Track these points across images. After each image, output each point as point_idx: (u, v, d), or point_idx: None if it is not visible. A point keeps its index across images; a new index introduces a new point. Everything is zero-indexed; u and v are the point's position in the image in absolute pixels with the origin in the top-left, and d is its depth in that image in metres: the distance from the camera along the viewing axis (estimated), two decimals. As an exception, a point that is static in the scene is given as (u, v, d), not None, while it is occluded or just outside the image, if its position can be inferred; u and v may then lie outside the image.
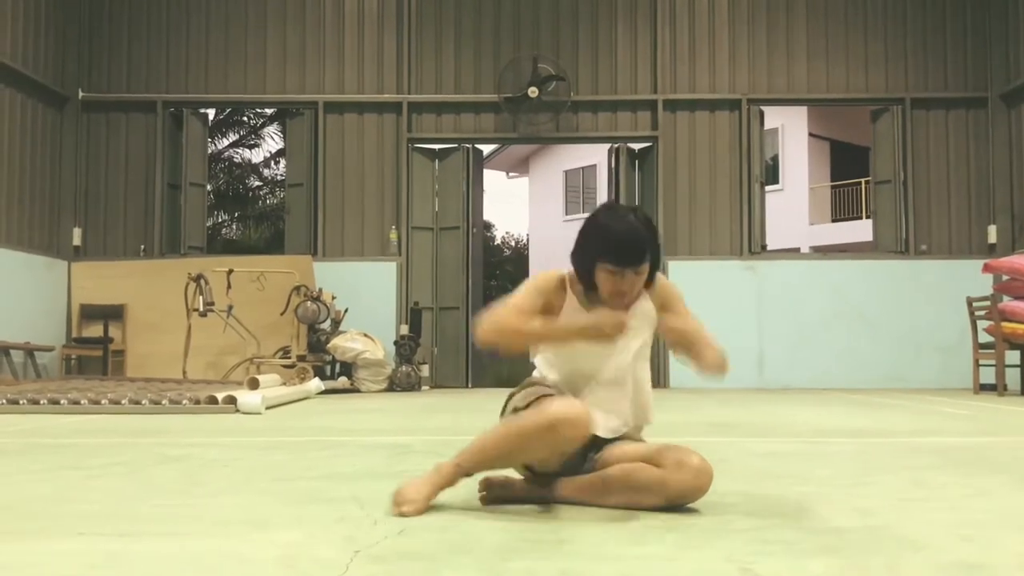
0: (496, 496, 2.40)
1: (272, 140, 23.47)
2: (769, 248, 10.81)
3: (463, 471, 2.32)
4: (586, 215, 2.47)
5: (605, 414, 2.42)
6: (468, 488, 2.35)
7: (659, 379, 9.17)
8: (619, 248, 2.32)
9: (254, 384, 6.76)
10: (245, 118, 22.81)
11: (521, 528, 2.11)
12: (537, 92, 10.28)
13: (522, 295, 2.44)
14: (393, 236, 10.46)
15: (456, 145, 10.76)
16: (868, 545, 1.93)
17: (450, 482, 2.33)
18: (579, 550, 1.87)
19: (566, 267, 2.49)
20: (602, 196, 21.34)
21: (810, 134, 22.56)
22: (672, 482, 2.23)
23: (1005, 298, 8.57)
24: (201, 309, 8.92)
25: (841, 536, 2.02)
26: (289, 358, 9.13)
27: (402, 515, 2.21)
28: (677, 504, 2.27)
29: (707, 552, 1.86)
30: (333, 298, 9.57)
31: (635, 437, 2.49)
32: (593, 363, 2.43)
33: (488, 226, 33.23)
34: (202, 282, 8.99)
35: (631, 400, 2.46)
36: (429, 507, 2.29)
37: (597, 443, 2.43)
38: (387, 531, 2.04)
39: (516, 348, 2.39)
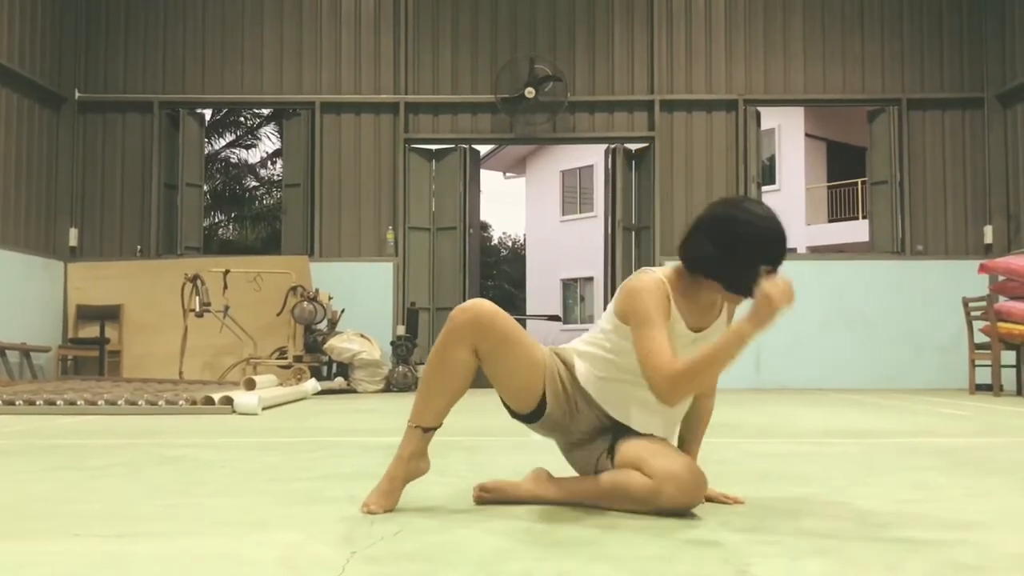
0: (491, 499, 2.40)
1: (269, 140, 23.50)
2: (766, 248, 10.80)
3: (414, 425, 2.33)
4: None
5: (645, 414, 2.37)
6: (464, 490, 2.35)
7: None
8: (781, 247, 2.26)
9: (251, 385, 6.75)
10: (242, 118, 22.81)
11: (518, 529, 2.10)
12: (534, 93, 10.28)
13: (657, 328, 2.24)
14: (390, 236, 10.46)
15: (453, 146, 10.76)
16: (867, 547, 1.93)
17: (411, 448, 2.31)
18: (576, 551, 1.87)
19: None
20: (599, 196, 21.35)
21: (806, 134, 22.60)
22: (663, 496, 2.20)
23: (1001, 298, 8.58)
24: (198, 309, 8.92)
25: (840, 538, 2.02)
26: (286, 359, 9.13)
27: (370, 512, 2.23)
28: (670, 512, 2.26)
29: (705, 554, 1.86)
30: (330, 298, 9.57)
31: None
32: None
33: (485, 226, 33.27)
34: (198, 282, 8.98)
35: (666, 416, 2.40)
36: (426, 509, 2.30)
37: (618, 429, 2.39)
38: (384, 532, 2.04)
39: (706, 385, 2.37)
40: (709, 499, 2.41)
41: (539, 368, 2.36)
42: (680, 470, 2.22)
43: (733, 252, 2.22)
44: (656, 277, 2.31)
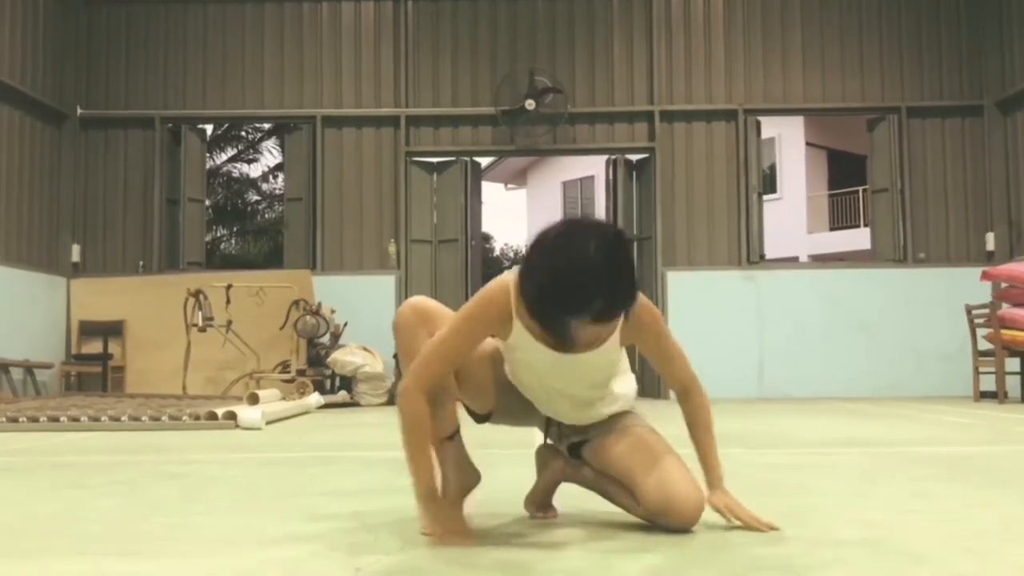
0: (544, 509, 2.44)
1: (270, 154, 23.50)
2: (768, 257, 10.83)
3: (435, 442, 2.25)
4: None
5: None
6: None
7: (658, 391, 9.17)
8: (580, 297, 1.87)
9: (254, 399, 6.75)
10: (243, 133, 22.84)
11: (521, 543, 2.11)
12: (534, 104, 10.31)
13: (455, 333, 2.09)
14: (392, 249, 10.47)
15: (454, 158, 10.78)
16: (869, 559, 1.93)
17: (448, 464, 2.24)
18: (578, 565, 1.87)
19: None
20: (600, 207, 21.38)
21: (807, 143, 22.63)
22: (660, 523, 2.16)
23: (1004, 305, 8.58)
24: (200, 324, 8.93)
25: (842, 549, 2.02)
26: (289, 372, 9.13)
27: (442, 543, 2.09)
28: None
29: (707, 567, 1.86)
30: (332, 312, 9.58)
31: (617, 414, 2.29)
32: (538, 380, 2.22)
33: (487, 238, 33.24)
34: (201, 297, 8.99)
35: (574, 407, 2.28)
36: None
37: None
38: (388, 548, 2.04)
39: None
40: (740, 520, 2.18)
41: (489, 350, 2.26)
42: (675, 499, 2.11)
43: (536, 303, 1.92)
44: (505, 288, 2.08)
